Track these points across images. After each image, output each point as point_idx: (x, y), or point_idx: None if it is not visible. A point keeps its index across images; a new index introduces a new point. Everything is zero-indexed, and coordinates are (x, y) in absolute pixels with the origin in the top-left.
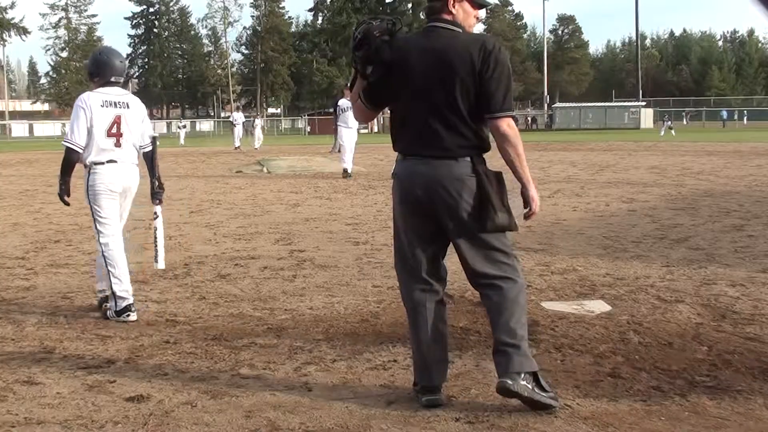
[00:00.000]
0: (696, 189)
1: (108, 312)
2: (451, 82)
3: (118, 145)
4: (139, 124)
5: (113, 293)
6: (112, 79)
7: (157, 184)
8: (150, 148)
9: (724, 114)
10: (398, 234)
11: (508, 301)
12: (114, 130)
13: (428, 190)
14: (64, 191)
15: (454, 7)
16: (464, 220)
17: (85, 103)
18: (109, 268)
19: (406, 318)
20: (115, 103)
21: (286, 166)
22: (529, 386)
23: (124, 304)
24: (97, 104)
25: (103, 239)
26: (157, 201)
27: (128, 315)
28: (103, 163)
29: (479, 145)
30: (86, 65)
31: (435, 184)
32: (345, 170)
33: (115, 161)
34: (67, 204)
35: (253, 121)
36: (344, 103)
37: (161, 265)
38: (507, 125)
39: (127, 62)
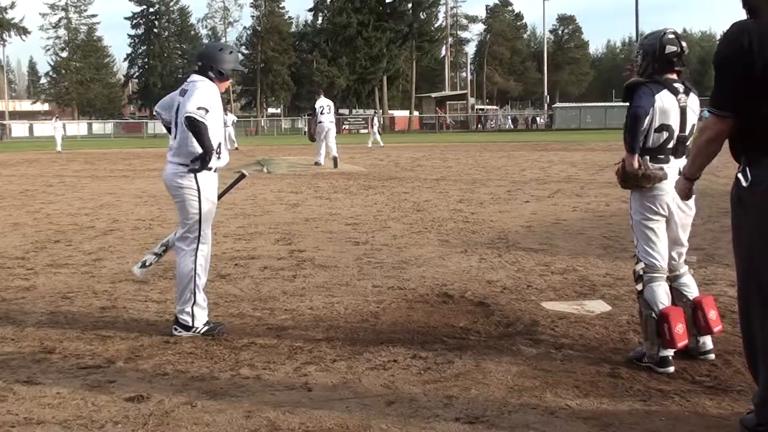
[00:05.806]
0: (696, 189)
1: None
2: None
3: None
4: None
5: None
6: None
7: None
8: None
9: (705, 113)
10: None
11: None
12: None
13: None
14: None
15: None
16: None
17: None
18: None
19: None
20: None
21: (286, 166)
22: None
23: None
24: None
25: None
26: None
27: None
28: None
29: None
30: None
31: None
32: (317, 162)
33: None
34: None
35: (372, 118)
36: (323, 102)
37: (137, 272)
38: None
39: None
